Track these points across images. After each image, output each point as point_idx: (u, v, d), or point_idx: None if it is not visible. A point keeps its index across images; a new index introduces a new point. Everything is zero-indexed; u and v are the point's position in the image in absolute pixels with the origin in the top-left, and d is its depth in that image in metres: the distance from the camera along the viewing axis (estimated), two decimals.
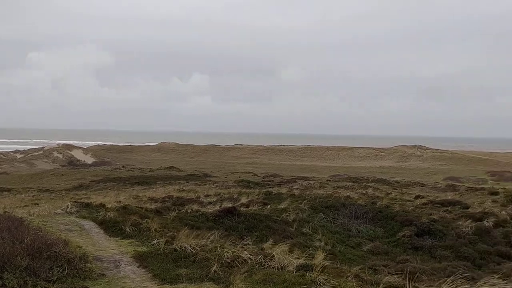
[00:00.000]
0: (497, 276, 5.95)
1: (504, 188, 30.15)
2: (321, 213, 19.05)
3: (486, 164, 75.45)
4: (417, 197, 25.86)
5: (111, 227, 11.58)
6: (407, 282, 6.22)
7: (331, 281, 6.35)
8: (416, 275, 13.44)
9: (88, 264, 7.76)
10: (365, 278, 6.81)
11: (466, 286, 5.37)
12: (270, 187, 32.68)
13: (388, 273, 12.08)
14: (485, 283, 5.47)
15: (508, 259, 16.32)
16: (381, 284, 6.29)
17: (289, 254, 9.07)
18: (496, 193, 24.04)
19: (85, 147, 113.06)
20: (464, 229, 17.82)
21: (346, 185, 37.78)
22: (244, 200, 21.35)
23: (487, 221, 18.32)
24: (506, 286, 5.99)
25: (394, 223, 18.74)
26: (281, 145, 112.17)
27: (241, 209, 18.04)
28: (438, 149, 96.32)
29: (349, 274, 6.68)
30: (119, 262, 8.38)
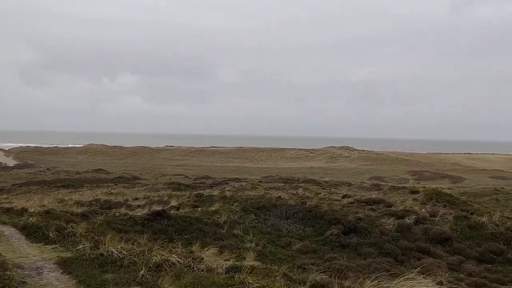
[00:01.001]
0: (415, 271, 6.26)
1: (424, 187, 31.84)
2: (253, 214, 19.23)
3: (408, 164, 79.29)
4: (345, 196, 26.70)
5: (34, 233, 11.07)
6: (333, 279, 6.40)
7: (260, 281, 6.41)
8: (343, 272, 13.94)
9: (8, 272, 7.39)
10: (293, 277, 6.93)
11: (386, 284, 5.60)
12: (202, 189, 32.51)
13: (316, 271, 12.40)
14: (404, 278, 5.74)
15: (428, 254, 17.24)
16: (308, 282, 6.43)
17: (219, 256, 9.08)
18: (417, 192, 25.32)
19: (6, 149, 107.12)
20: (387, 227, 18.62)
21: (277, 186, 38.31)
22: (174, 202, 21.10)
23: (408, 219, 19.24)
24: (424, 281, 6.30)
25: (322, 222, 19.24)
26: (213, 147, 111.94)
27: (171, 212, 17.82)
28: (365, 150, 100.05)
29: (277, 274, 6.77)
30: (41, 269, 8.03)
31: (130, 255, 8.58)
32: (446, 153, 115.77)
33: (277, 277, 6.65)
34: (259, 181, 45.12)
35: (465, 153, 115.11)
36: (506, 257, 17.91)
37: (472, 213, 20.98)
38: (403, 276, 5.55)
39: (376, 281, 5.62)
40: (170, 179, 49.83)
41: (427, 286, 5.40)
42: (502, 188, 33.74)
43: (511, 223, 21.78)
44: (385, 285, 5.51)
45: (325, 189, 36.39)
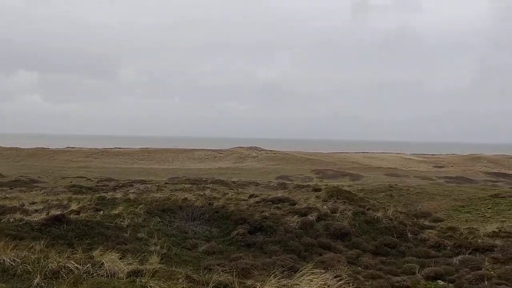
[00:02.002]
0: (309, 266, 6.50)
1: (327, 185, 33.21)
2: (158, 217, 18.89)
3: (312, 163, 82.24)
4: (251, 196, 27.08)
5: None
6: (235, 278, 6.46)
7: (162, 284, 6.32)
8: (248, 271, 14.12)
9: None
10: (196, 278, 6.91)
11: (287, 280, 5.76)
12: (105, 192, 31.34)
13: (222, 271, 12.47)
14: (302, 273, 5.94)
15: (329, 249, 18.02)
16: (211, 283, 6.44)
17: (121, 261, 8.81)
18: (319, 190, 26.37)
19: None
20: (291, 224, 19.18)
21: (184, 187, 37.91)
22: (74, 206, 20.13)
23: (311, 216, 19.97)
24: (321, 275, 6.56)
25: (229, 222, 19.38)
26: (117, 148, 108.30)
27: (71, 216, 17.00)
28: (272, 150, 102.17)
29: (180, 276, 6.71)
30: None
31: (24, 263, 8.09)
32: (346, 152, 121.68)
33: (180, 280, 6.60)
34: (165, 183, 44.41)
35: (363, 152, 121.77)
36: (399, 249, 19.21)
37: (368, 209, 22.26)
38: (300, 271, 5.75)
39: (276, 278, 5.76)
40: (71, 182, 47.48)
41: (323, 279, 5.62)
42: (396, 184, 36.11)
43: (404, 217, 23.44)
44: (285, 281, 5.67)
45: (233, 189, 36.67)
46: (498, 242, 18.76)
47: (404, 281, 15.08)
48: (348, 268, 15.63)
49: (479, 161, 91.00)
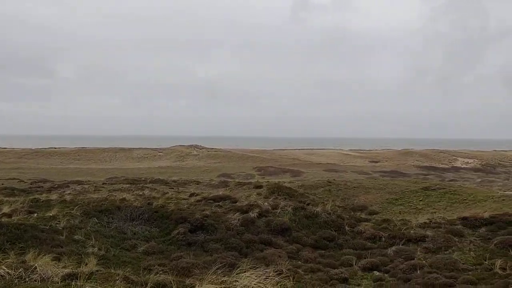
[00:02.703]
0: (246, 261, 6.56)
1: (268, 182, 33.54)
2: (95, 218, 18.41)
3: (254, 161, 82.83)
4: (192, 194, 26.91)
5: None
6: (173, 278, 6.42)
7: (98, 287, 6.18)
8: (189, 270, 14.03)
9: None
10: (134, 279, 6.81)
11: (225, 277, 5.79)
12: (39, 194, 30.08)
13: (163, 271, 12.33)
14: (242, 269, 6.00)
15: (270, 245, 18.24)
16: (149, 284, 6.37)
17: (56, 264, 8.52)
18: (260, 187, 26.58)
19: None
20: (233, 222, 19.25)
21: (123, 187, 37.08)
22: (6, 209, 19.25)
23: (252, 213, 20.13)
24: (256, 272, 6.63)
25: (169, 222, 19.17)
26: (51, 148, 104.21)
27: (3, 219, 16.27)
28: (213, 148, 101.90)
29: (117, 278, 6.59)
30: None
31: None
32: (287, 149, 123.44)
33: (117, 281, 6.48)
34: (103, 183, 43.22)
35: (304, 149, 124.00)
36: (337, 242, 19.76)
37: (308, 204, 22.70)
38: (239, 268, 5.80)
39: (215, 275, 5.78)
40: (2, 184, 45.15)
41: (260, 275, 5.70)
42: (334, 180, 37.00)
43: (342, 211, 24.10)
44: (224, 278, 5.70)
45: (173, 189, 36.27)
46: (429, 232, 19.68)
47: (342, 273, 15.56)
48: (288, 262, 15.91)
49: (411, 156, 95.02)
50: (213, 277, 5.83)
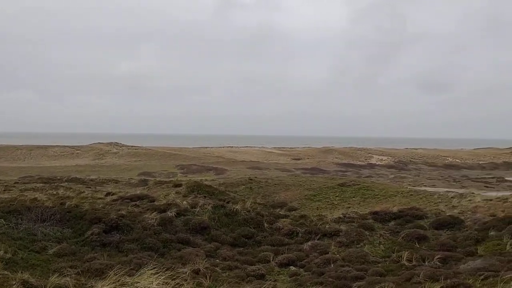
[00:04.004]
0: (165, 261, 6.47)
1: (189, 180, 33.31)
2: (2, 219, 17.39)
3: (176, 159, 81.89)
4: (108, 194, 26.16)
5: None
6: (71, 280, 6.19)
7: None
8: (103, 271, 13.61)
9: None
10: (34, 283, 6.50)
11: (128, 279, 5.67)
12: None
13: (75, 273, 11.85)
14: (146, 270, 5.90)
15: (188, 244, 18.10)
16: (48, 286, 6.10)
17: None
18: (180, 185, 26.32)
19: None
20: (150, 221, 18.90)
21: (36, 186, 35.35)
22: None
23: (170, 212, 19.87)
24: (182, 269, 6.56)
25: (83, 222, 18.48)
26: None
27: None
28: (134, 146, 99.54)
29: (14, 282, 6.25)
30: None
31: None
32: (212, 147, 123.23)
33: (14, 285, 6.15)
34: (15, 182, 40.94)
35: (228, 147, 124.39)
36: (256, 239, 19.99)
37: (228, 202, 22.78)
38: (142, 269, 5.70)
39: (117, 276, 5.64)
40: None
41: (162, 275, 5.63)
42: (255, 177, 37.49)
43: (261, 208, 24.44)
44: (126, 279, 5.57)
45: (90, 188, 35.09)
46: (343, 227, 20.44)
47: (259, 269, 15.76)
48: (206, 261, 15.87)
49: (331, 153, 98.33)
50: (115, 278, 5.68)
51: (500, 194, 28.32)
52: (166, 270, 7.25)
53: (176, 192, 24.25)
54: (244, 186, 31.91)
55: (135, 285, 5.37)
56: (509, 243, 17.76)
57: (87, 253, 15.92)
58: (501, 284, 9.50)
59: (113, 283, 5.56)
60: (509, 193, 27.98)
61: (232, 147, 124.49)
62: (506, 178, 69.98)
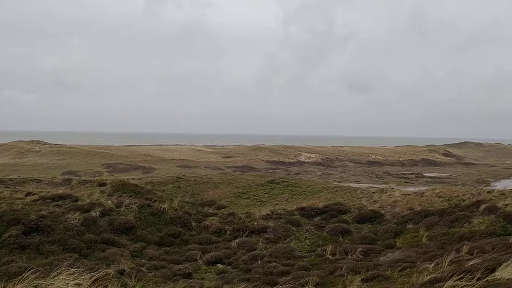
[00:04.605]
0: (89, 262, 6.25)
1: (114, 179, 32.41)
2: None
3: (103, 157, 79.32)
4: (29, 194, 24.91)
5: None
6: None
7: None
8: (21, 274, 12.98)
9: None
10: None
11: (41, 280, 5.44)
12: None
13: None
14: (61, 271, 5.68)
15: (112, 244, 17.64)
16: None
17: None
18: (104, 184, 25.55)
19: None
20: (72, 222, 18.22)
21: None
22: None
23: (94, 212, 19.25)
24: (106, 270, 6.36)
25: (0, 224, 17.52)
26: None
27: None
28: (57, 144, 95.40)
29: None
30: None
31: None
32: (140, 145, 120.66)
33: None
34: None
35: (157, 145, 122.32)
36: (183, 238, 19.85)
37: (155, 201, 22.41)
38: (57, 270, 5.49)
39: (30, 279, 5.39)
40: None
41: (77, 277, 5.46)
42: (184, 175, 37.15)
43: (189, 207, 24.28)
44: (39, 281, 5.34)
45: (9, 188, 33.23)
46: (270, 223, 20.75)
47: (186, 268, 15.66)
48: (131, 261, 15.56)
49: (261, 151, 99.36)
50: (27, 280, 5.43)
51: (417, 189, 29.89)
52: (88, 271, 7.03)
53: (101, 192, 23.52)
54: (172, 185, 31.52)
55: (48, 287, 5.15)
56: (425, 235, 18.84)
57: (4, 255, 15.11)
58: (416, 274, 10.02)
59: (26, 286, 5.30)
60: (426, 188, 29.63)
61: (162, 145, 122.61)
62: (424, 174, 74.09)
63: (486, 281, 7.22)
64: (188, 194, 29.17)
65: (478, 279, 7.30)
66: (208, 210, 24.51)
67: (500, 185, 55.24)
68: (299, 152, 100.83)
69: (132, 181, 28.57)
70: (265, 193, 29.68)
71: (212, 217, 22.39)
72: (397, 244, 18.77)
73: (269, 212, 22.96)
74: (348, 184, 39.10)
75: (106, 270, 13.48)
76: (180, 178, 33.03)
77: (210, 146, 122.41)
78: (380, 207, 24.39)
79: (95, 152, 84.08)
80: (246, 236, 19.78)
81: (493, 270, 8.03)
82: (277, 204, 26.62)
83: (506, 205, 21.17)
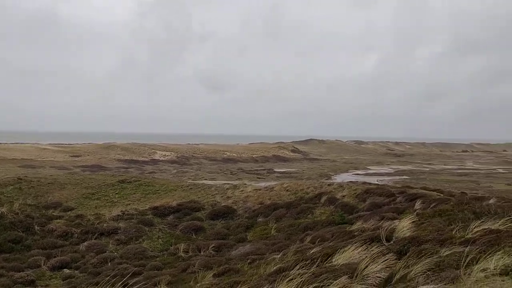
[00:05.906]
0: None
1: None
2: None
3: None
4: None
5: None
6: None
7: None
8: None
9: None
10: None
11: None
12: None
13: None
14: None
15: None
16: None
17: None
18: None
19: None
20: None
21: None
22: None
23: None
24: None
25: None
26: None
27: None
28: None
29: None
30: None
31: None
32: None
33: None
34: None
35: None
36: (25, 243, 18.36)
37: None
38: None
39: None
40: None
41: None
42: (26, 176, 34.17)
43: (32, 210, 22.50)
44: None
45: None
46: (121, 224, 20.14)
47: (28, 275, 14.53)
48: None
49: (113, 150, 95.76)
50: None
51: (268, 184, 31.32)
52: None
53: None
54: (12, 187, 28.80)
55: None
56: (273, 227, 19.86)
57: None
58: (264, 266, 10.50)
59: None
60: (276, 183, 31.19)
61: (1, 143, 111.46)
62: (275, 170, 78.07)
63: (324, 267, 7.86)
64: (31, 196, 26.90)
65: (317, 266, 7.91)
66: (53, 213, 22.92)
67: (339, 178, 60.66)
68: (153, 150, 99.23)
69: None
70: (116, 193, 28.63)
71: (58, 220, 21.02)
72: (248, 238, 19.49)
73: (120, 213, 22.24)
74: (203, 181, 39.54)
75: None
76: (21, 179, 30.29)
77: (57, 144, 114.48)
78: (233, 203, 25.06)
79: None
80: (95, 239, 18.95)
81: (330, 256, 8.79)
82: (129, 204, 25.84)
83: (344, 196, 23.21)
